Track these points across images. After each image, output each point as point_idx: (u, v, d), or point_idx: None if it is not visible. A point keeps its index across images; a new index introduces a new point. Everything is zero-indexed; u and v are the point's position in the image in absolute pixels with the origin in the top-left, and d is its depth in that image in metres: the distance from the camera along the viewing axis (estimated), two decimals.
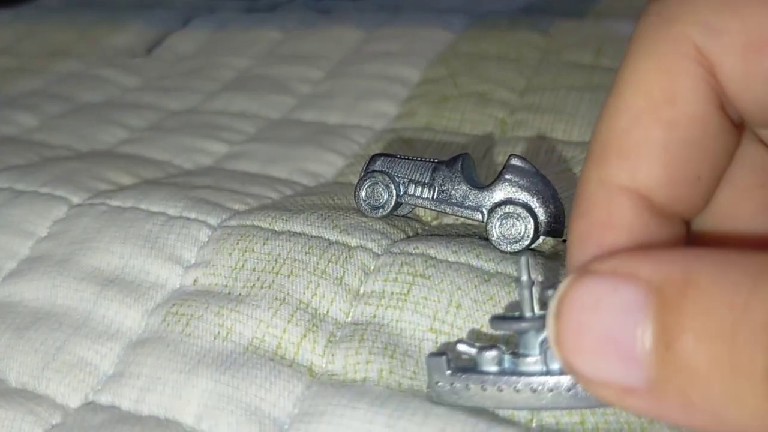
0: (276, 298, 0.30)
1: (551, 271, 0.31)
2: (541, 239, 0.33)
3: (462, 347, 0.25)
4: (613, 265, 0.20)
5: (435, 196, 0.34)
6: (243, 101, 0.57)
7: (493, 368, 0.24)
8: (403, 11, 0.75)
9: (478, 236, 0.34)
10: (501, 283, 0.30)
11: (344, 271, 0.31)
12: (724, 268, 0.18)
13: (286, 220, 0.34)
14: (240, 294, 0.31)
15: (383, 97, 0.55)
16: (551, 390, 0.23)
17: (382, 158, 0.35)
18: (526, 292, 0.24)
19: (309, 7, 0.80)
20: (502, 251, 0.32)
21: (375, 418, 0.25)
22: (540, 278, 0.31)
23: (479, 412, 0.25)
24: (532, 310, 0.24)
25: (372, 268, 0.32)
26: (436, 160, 0.35)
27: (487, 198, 0.33)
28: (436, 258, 0.31)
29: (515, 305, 0.29)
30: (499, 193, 0.33)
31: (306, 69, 0.62)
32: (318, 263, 0.32)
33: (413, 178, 0.35)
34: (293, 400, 0.27)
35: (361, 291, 0.31)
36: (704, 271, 0.18)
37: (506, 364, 0.24)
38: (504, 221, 0.32)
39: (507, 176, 0.33)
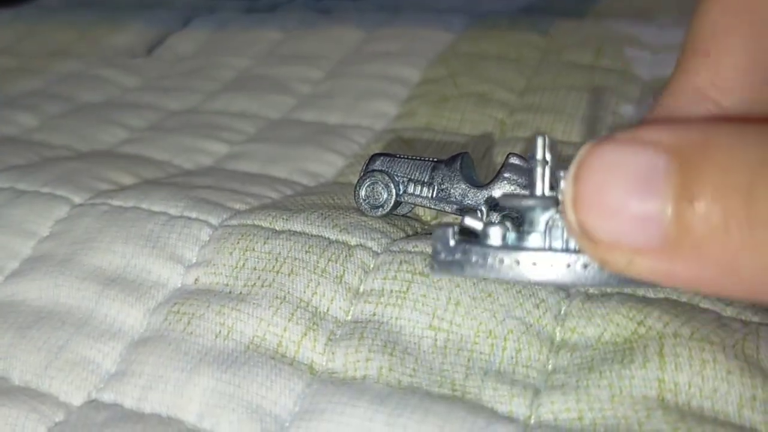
0: (277, 297, 0.31)
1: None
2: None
3: (468, 221, 0.25)
4: (634, 132, 0.20)
5: (434, 195, 0.34)
6: (243, 101, 0.57)
7: (497, 242, 0.25)
8: (403, 11, 0.75)
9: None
10: (500, 280, 0.30)
11: (344, 270, 0.32)
12: (742, 131, 0.19)
13: (287, 220, 0.35)
14: (241, 293, 0.31)
15: (383, 97, 0.55)
16: (551, 265, 0.23)
17: (382, 158, 0.36)
18: (538, 170, 0.24)
19: (309, 7, 0.80)
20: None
21: (375, 415, 0.25)
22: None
23: (478, 410, 0.25)
24: (543, 188, 0.24)
25: (372, 266, 0.32)
26: (435, 160, 0.35)
27: (486, 196, 0.33)
28: None
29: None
30: (498, 191, 0.33)
31: (306, 69, 0.63)
32: (318, 262, 0.32)
33: (413, 177, 0.35)
34: (294, 398, 0.27)
35: (361, 289, 0.31)
36: (723, 133, 0.19)
37: (510, 241, 0.25)
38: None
39: (506, 175, 0.33)
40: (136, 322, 0.32)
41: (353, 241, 0.33)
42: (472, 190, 0.34)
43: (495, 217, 0.32)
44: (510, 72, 0.57)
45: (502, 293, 0.29)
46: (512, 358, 0.28)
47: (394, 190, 0.35)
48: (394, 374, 0.27)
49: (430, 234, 0.35)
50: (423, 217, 0.38)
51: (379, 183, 0.35)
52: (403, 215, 0.37)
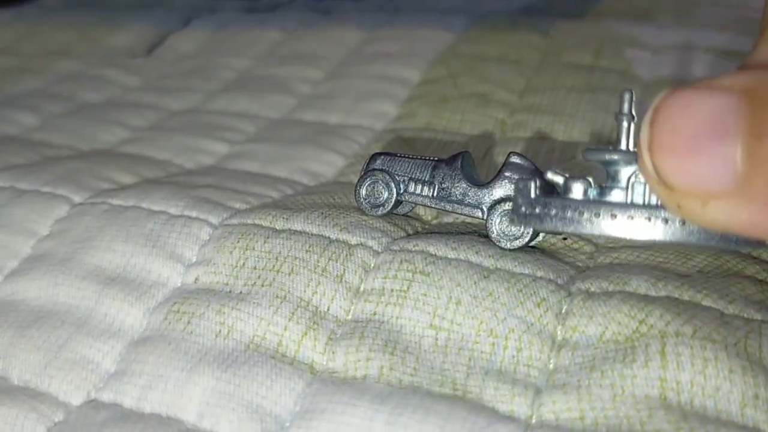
0: (277, 296, 0.31)
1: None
2: (541, 236, 0.33)
3: (551, 175, 0.26)
4: (708, 80, 0.20)
5: (435, 194, 0.34)
6: (244, 101, 0.57)
7: (579, 197, 0.25)
8: (403, 12, 0.75)
9: (478, 233, 0.35)
10: (500, 279, 0.30)
11: (344, 269, 0.32)
12: None
13: (287, 219, 0.35)
14: (241, 292, 0.31)
15: (383, 97, 0.55)
16: (631, 218, 0.23)
17: (383, 157, 0.36)
18: (624, 124, 0.25)
19: (309, 8, 0.80)
20: (501, 248, 0.32)
21: (376, 415, 0.25)
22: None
23: (479, 410, 0.25)
24: (627, 143, 0.25)
25: (372, 265, 0.32)
26: (435, 159, 0.35)
27: (486, 195, 0.33)
28: (435, 255, 0.31)
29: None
30: (499, 190, 0.33)
31: (306, 69, 0.63)
32: (318, 261, 0.32)
33: (413, 177, 0.35)
34: (294, 397, 0.27)
35: (362, 288, 0.31)
36: None
37: (591, 195, 0.25)
38: (504, 218, 0.32)
39: (507, 173, 0.33)
40: (135, 322, 0.32)
41: (354, 241, 0.33)
42: (473, 189, 0.33)
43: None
44: (510, 72, 0.57)
45: (503, 292, 0.29)
46: (513, 357, 0.27)
47: (394, 190, 0.35)
48: (395, 374, 0.27)
49: (431, 233, 0.35)
50: (423, 217, 0.38)
51: (380, 182, 0.35)
52: (403, 214, 0.37)
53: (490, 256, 0.31)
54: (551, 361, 0.27)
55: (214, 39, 0.73)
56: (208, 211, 0.36)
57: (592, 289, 0.30)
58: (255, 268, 0.32)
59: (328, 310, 0.30)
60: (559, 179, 0.26)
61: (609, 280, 0.30)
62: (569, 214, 0.24)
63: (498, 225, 0.32)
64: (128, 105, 0.59)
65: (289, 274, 0.31)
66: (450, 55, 0.61)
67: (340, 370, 0.28)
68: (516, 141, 0.47)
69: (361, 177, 0.35)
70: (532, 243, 0.33)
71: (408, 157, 0.35)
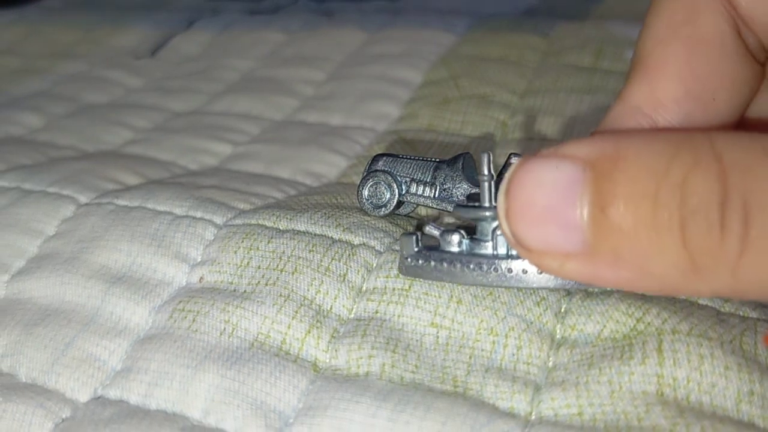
0: (280, 295, 0.31)
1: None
2: None
3: (428, 229, 0.29)
4: (555, 148, 0.22)
5: (436, 195, 0.35)
6: (247, 103, 0.57)
7: (454, 249, 0.27)
8: (405, 13, 0.75)
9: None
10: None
11: (347, 269, 0.32)
12: (651, 142, 0.21)
13: (290, 219, 0.35)
14: (245, 291, 0.32)
15: (385, 98, 0.55)
16: (496, 270, 0.26)
17: (385, 158, 0.36)
18: (485, 185, 0.27)
19: (311, 10, 0.80)
20: None
21: (378, 412, 0.26)
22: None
23: (479, 406, 0.26)
24: (491, 201, 0.27)
25: (374, 265, 0.32)
26: (437, 160, 0.35)
27: None
28: None
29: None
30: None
31: (309, 71, 0.63)
32: (321, 261, 0.32)
33: (415, 177, 0.35)
34: (298, 394, 0.28)
35: (364, 287, 0.31)
36: (634, 145, 0.21)
37: (464, 247, 0.27)
38: None
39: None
40: (141, 320, 0.32)
41: (356, 241, 0.33)
42: (474, 190, 0.34)
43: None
44: (511, 74, 0.57)
45: (503, 291, 0.30)
46: (513, 355, 0.28)
47: (396, 190, 0.35)
48: (397, 371, 0.28)
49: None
50: (425, 217, 0.38)
51: (382, 183, 0.35)
52: (405, 215, 0.37)
53: None
54: (550, 358, 0.28)
55: (217, 41, 0.73)
56: (212, 212, 0.37)
57: (591, 288, 0.30)
58: (259, 267, 0.33)
59: (331, 308, 0.31)
60: (435, 232, 0.28)
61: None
62: (445, 265, 0.27)
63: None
64: (132, 106, 0.59)
65: (293, 274, 0.32)
66: (451, 57, 0.62)
67: (342, 367, 0.28)
68: (517, 142, 0.47)
69: (364, 178, 0.36)
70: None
71: (410, 158, 0.35)
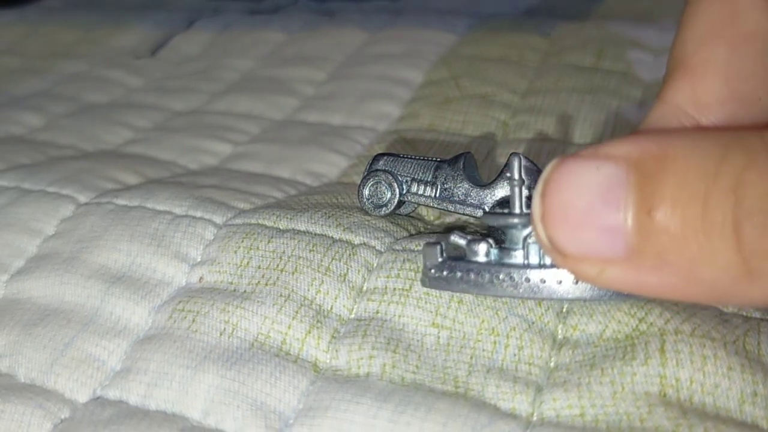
0: (281, 295, 0.31)
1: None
2: None
3: (454, 238, 0.27)
4: (595, 148, 0.21)
5: (437, 195, 0.34)
6: (247, 102, 0.57)
7: (482, 259, 0.26)
8: (405, 13, 0.75)
9: (480, 233, 0.35)
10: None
11: (348, 268, 0.32)
12: (698, 142, 0.20)
13: (291, 219, 0.35)
14: (245, 291, 0.31)
15: (386, 98, 0.55)
16: (528, 280, 0.25)
17: (385, 157, 0.36)
18: (516, 190, 0.26)
19: (312, 10, 0.80)
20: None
21: (378, 412, 0.26)
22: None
23: (480, 407, 0.26)
24: (521, 207, 0.26)
25: (375, 265, 0.32)
26: (438, 159, 0.35)
27: (488, 196, 0.33)
28: None
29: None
30: (501, 190, 0.33)
31: (309, 70, 0.63)
32: (322, 260, 0.32)
33: (416, 177, 0.35)
34: (298, 395, 0.27)
35: (364, 287, 0.31)
36: (680, 145, 0.20)
37: (492, 257, 0.26)
38: None
39: (508, 174, 0.33)
40: (141, 320, 0.32)
41: (357, 240, 0.33)
42: (475, 190, 0.34)
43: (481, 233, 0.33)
44: (512, 74, 0.57)
45: None
46: (515, 355, 0.28)
47: (397, 190, 0.35)
48: (398, 371, 0.27)
49: (433, 233, 0.35)
50: (426, 217, 0.38)
51: (383, 182, 0.35)
52: (406, 215, 0.37)
53: None
54: (552, 359, 0.28)
55: (217, 40, 0.73)
56: (212, 211, 0.37)
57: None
58: (259, 267, 0.32)
59: (331, 308, 0.31)
60: (462, 242, 0.27)
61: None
62: (473, 276, 0.26)
63: None
64: (132, 106, 0.59)
65: (293, 273, 0.32)
66: (452, 57, 0.62)
67: (343, 368, 0.28)
68: (518, 142, 0.47)
69: (364, 177, 0.36)
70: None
71: (411, 158, 0.35)
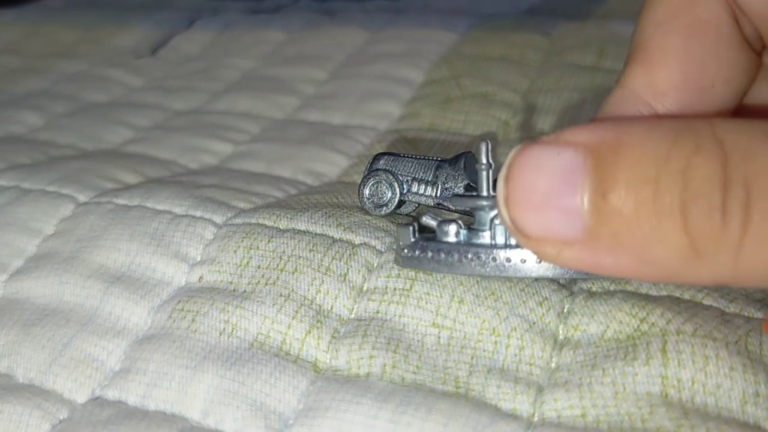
0: (281, 295, 0.31)
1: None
2: None
3: (425, 219, 0.28)
4: (556, 135, 0.22)
5: (438, 194, 0.34)
6: (248, 101, 0.57)
7: (452, 239, 0.27)
8: (406, 13, 0.75)
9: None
10: (503, 278, 0.30)
11: (348, 268, 0.32)
12: (652, 127, 0.21)
13: (291, 218, 0.35)
14: (245, 291, 0.31)
15: (387, 97, 0.55)
16: (494, 260, 0.26)
17: (386, 157, 0.36)
18: (483, 174, 0.27)
19: (313, 9, 0.80)
20: None
21: (379, 413, 0.25)
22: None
23: (481, 407, 0.26)
24: (489, 190, 0.27)
25: (375, 264, 0.32)
26: (439, 159, 0.35)
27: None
28: None
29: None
30: None
31: (310, 70, 0.63)
32: (322, 260, 0.32)
33: (416, 176, 0.35)
34: (298, 395, 0.27)
35: (365, 287, 0.31)
36: (634, 132, 0.21)
37: (462, 237, 0.27)
38: None
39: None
40: (140, 320, 0.32)
41: (357, 240, 0.33)
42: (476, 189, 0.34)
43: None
44: (513, 73, 0.57)
45: (505, 291, 0.29)
46: (516, 355, 0.28)
47: (398, 189, 0.35)
48: (398, 371, 0.27)
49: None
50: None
51: (383, 182, 0.35)
52: (406, 214, 0.37)
53: None
54: (553, 359, 0.28)
55: (218, 40, 0.73)
56: (212, 211, 0.36)
57: (594, 288, 0.30)
58: (259, 267, 0.32)
59: (331, 308, 0.30)
60: (433, 223, 0.28)
61: (610, 279, 0.30)
62: (443, 256, 0.27)
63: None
64: (132, 105, 0.59)
65: (293, 273, 0.32)
66: (453, 56, 0.61)
67: (343, 368, 0.28)
68: (519, 142, 0.47)
69: (365, 177, 0.36)
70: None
71: (411, 157, 0.35)
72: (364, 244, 0.33)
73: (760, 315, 0.28)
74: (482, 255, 0.26)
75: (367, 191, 0.35)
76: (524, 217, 0.22)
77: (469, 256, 0.27)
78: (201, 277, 0.33)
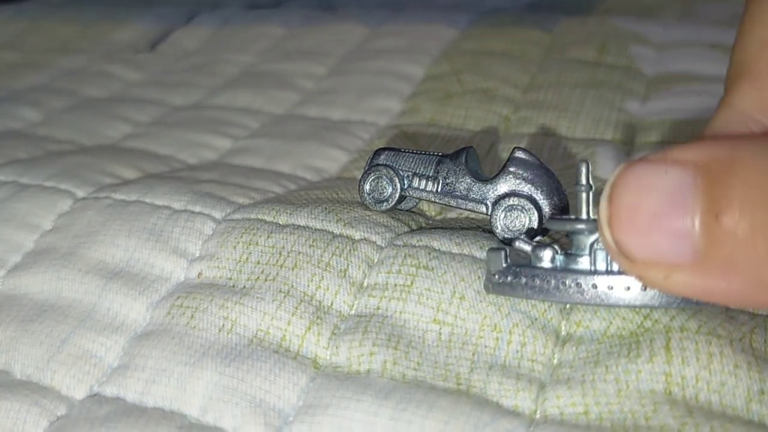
0: (280, 291, 0.31)
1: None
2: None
3: (518, 244, 0.27)
4: (663, 153, 0.21)
5: (439, 189, 0.34)
6: (247, 97, 0.57)
7: (547, 265, 0.26)
8: (406, 8, 0.75)
9: (482, 229, 0.35)
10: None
11: (348, 264, 0.32)
12: (766, 145, 0.20)
13: (290, 214, 0.35)
14: (244, 287, 0.31)
15: (387, 93, 0.55)
16: (595, 287, 0.25)
17: (386, 152, 0.35)
18: (583, 195, 0.26)
19: (312, 4, 0.80)
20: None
21: (379, 410, 0.25)
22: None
23: (483, 404, 0.25)
24: (588, 213, 0.26)
25: (376, 260, 0.32)
26: (440, 154, 0.35)
27: (491, 190, 0.33)
28: (439, 250, 0.31)
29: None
30: (503, 185, 0.33)
31: (309, 65, 0.63)
32: (322, 256, 0.32)
33: (417, 172, 0.35)
34: (298, 392, 0.27)
35: (365, 283, 0.31)
36: (748, 149, 0.20)
37: (558, 263, 0.26)
38: (508, 213, 0.32)
39: (511, 169, 0.33)
40: (138, 316, 0.31)
41: (357, 236, 0.33)
42: (477, 185, 0.33)
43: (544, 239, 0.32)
44: (514, 69, 0.57)
45: None
46: (517, 351, 0.27)
47: (398, 185, 0.35)
48: (399, 368, 0.27)
49: (434, 228, 0.35)
50: (427, 212, 0.38)
51: (384, 177, 0.35)
52: (407, 210, 0.37)
53: None
54: (555, 356, 0.27)
55: (217, 35, 0.73)
56: (211, 206, 0.36)
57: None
58: (258, 262, 0.32)
59: (331, 304, 0.30)
60: (526, 247, 0.27)
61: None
62: (538, 282, 0.26)
63: (502, 220, 0.32)
64: (131, 100, 0.59)
65: (293, 269, 0.31)
66: (453, 51, 0.61)
67: (343, 364, 0.28)
68: (520, 137, 0.47)
69: (365, 172, 0.35)
70: (537, 238, 0.33)
71: (412, 153, 0.35)
72: (365, 239, 0.33)
73: (764, 312, 0.28)
74: (582, 282, 0.25)
75: (367, 186, 0.35)
76: (629, 239, 0.21)
77: (567, 282, 0.25)
78: (200, 273, 0.33)
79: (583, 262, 0.26)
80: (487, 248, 0.28)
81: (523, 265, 0.27)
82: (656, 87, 0.53)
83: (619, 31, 0.63)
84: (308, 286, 0.31)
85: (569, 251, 0.26)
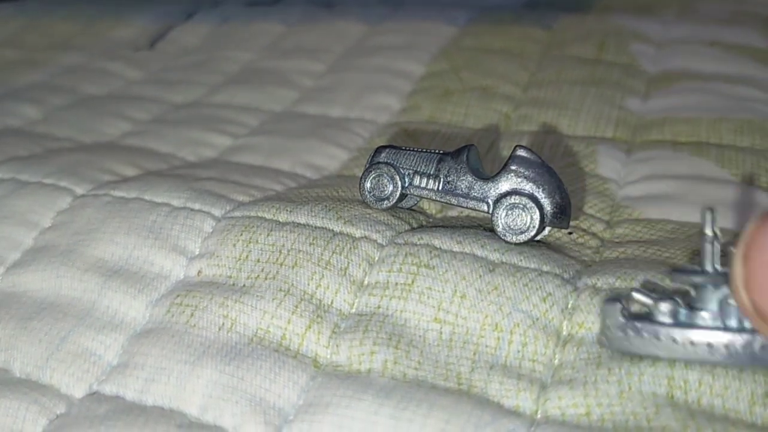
0: (280, 289, 0.30)
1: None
2: (546, 230, 0.33)
3: (638, 296, 0.25)
4: None
5: (440, 188, 0.34)
6: (246, 94, 0.57)
7: (668, 319, 0.25)
8: (405, 5, 0.75)
9: (483, 227, 0.34)
10: (506, 273, 0.30)
11: (348, 262, 0.31)
12: None
13: (290, 212, 0.34)
14: (244, 285, 0.31)
15: (386, 91, 0.55)
16: (727, 346, 0.23)
17: (387, 150, 0.35)
18: (708, 246, 0.25)
19: (311, 1, 0.80)
20: (507, 242, 0.32)
21: (380, 409, 0.25)
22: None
23: (483, 404, 0.25)
24: (714, 264, 0.24)
25: (376, 259, 0.32)
26: (441, 152, 0.35)
27: (492, 189, 0.33)
28: (440, 248, 0.31)
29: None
30: (505, 183, 0.33)
31: (309, 62, 0.62)
32: (322, 254, 0.32)
33: (418, 170, 0.35)
34: (298, 391, 0.27)
35: (366, 282, 0.31)
36: None
37: (681, 317, 0.25)
38: (509, 212, 0.32)
39: (512, 167, 0.33)
40: (138, 314, 0.31)
41: (358, 234, 0.33)
42: (479, 183, 0.33)
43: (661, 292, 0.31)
44: (514, 66, 0.57)
45: (508, 286, 0.29)
46: (518, 351, 0.27)
47: (399, 183, 0.35)
48: (399, 367, 0.27)
49: (435, 226, 0.35)
50: (428, 210, 0.38)
51: (385, 175, 0.35)
52: (408, 208, 0.37)
53: (495, 250, 0.31)
54: (556, 356, 0.27)
55: (216, 32, 0.73)
56: (211, 204, 0.36)
57: (599, 285, 0.30)
58: (258, 260, 0.32)
59: (331, 303, 0.30)
60: (646, 300, 0.25)
61: (616, 275, 0.30)
62: (662, 339, 0.24)
63: (503, 219, 0.32)
64: (131, 98, 0.59)
65: (293, 267, 0.31)
66: (453, 49, 0.61)
67: (344, 363, 0.28)
68: (521, 135, 0.47)
69: (366, 170, 0.35)
70: (538, 237, 0.33)
71: (413, 150, 0.35)
72: (365, 237, 0.33)
73: None
74: (712, 340, 0.24)
75: (368, 184, 0.35)
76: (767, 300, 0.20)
77: (695, 340, 0.24)
78: (200, 271, 0.33)
79: (707, 317, 0.24)
80: (603, 298, 0.27)
81: (643, 318, 0.25)
82: (657, 85, 0.53)
83: (619, 28, 0.63)
84: (308, 284, 0.31)
85: (693, 305, 0.25)
